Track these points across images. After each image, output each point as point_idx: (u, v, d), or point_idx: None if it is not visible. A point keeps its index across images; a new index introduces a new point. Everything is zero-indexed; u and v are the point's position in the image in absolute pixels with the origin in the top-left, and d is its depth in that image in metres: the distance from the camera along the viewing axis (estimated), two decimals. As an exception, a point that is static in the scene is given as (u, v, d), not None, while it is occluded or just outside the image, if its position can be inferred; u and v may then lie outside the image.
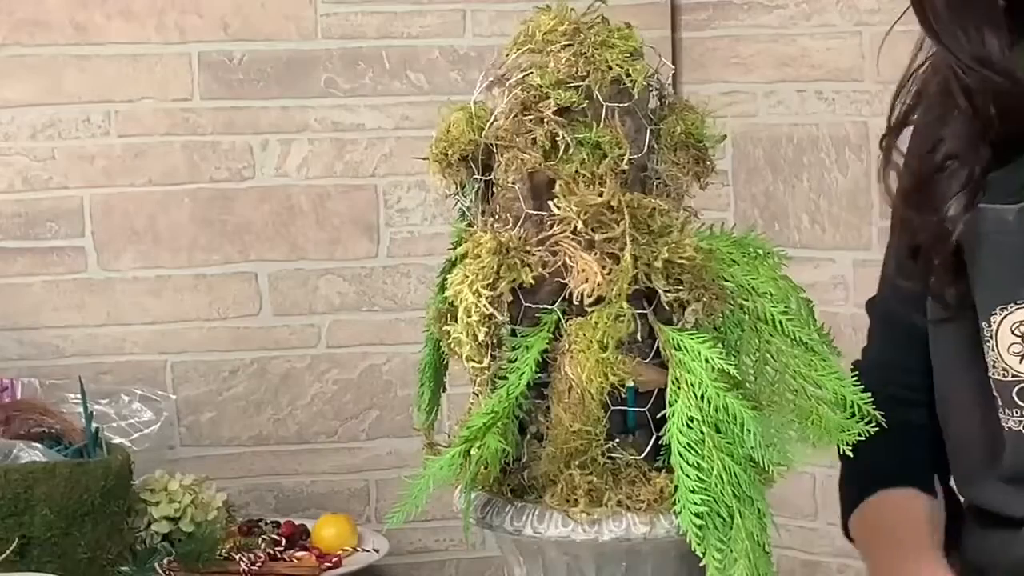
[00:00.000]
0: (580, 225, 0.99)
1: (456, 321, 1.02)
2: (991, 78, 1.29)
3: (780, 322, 1.07)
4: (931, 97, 1.39)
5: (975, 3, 1.30)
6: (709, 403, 0.99)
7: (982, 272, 1.33)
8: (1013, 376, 1.32)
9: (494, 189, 1.04)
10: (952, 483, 1.49)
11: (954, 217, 1.33)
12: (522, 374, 0.99)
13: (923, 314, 1.42)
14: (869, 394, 1.37)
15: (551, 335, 1.01)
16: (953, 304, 1.36)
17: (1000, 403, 1.34)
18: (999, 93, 1.29)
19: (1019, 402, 1.32)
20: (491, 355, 1.01)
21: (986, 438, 1.37)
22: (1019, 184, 1.32)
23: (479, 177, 1.04)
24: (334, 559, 2.43)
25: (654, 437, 1.02)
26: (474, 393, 1.04)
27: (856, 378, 1.49)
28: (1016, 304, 1.32)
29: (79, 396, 2.28)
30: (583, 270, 0.99)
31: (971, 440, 1.40)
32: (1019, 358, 1.31)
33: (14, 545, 2.05)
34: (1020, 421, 1.32)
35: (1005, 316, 1.32)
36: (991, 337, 1.33)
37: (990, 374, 1.34)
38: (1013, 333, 1.31)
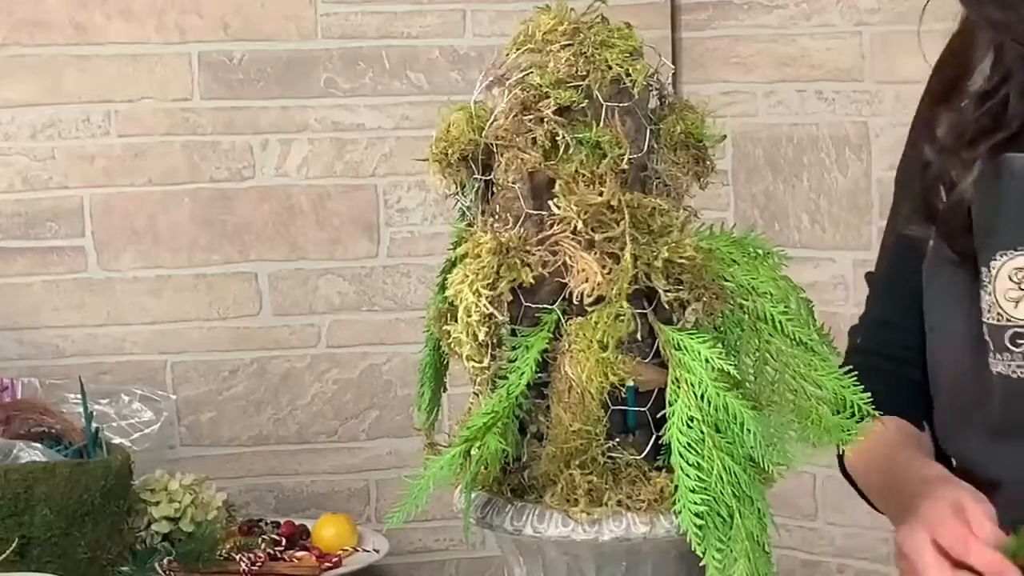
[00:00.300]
0: (580, 225, 0.99)
1: (456, 321, 1.02)
2: None
3: (780, 322, 1.07)
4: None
5: None
6: (709, 403, 0.99)
7: (987, 218, 1.36)
8: (1008, 320, 1.35)
9: (494, 189, 1.04)
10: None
11: (977, 157, 1.37)
12: (522, 374, 0.99)
13: (922, 275, 1.46)
14: (866, 351, 1.47)
15: (551, 335, 1.01)
16: (957, 247, 1.39)
17: (992, 348, 1.36)
18: None
19: (1011, 347, 1.35)
20: (491, 355, 1.01)
21: (974, 385, 1.39)
22: None
23: (479, 177, 1.05)
24: (334, 559, 2.43)
25: (654, 437, 1.02)
26: (474, 393, 1.04)
27: (854, 336, 1.56)
28: (1017, 250, 1.34)
29: (79, 396, 2.28)
30: (583, 270, 0.99)
31: (959, 387, 1.42)
32: (1014, 303, 1.34)
33: (14, 545, 2.05)
34: (1009, 366, 1.35)
35: (1005, 262, 1.35)
36: (990, 282, 1.35)
37: (984, 319, 1.36)
38: (1011, 279, 1.34)
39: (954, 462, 1.48)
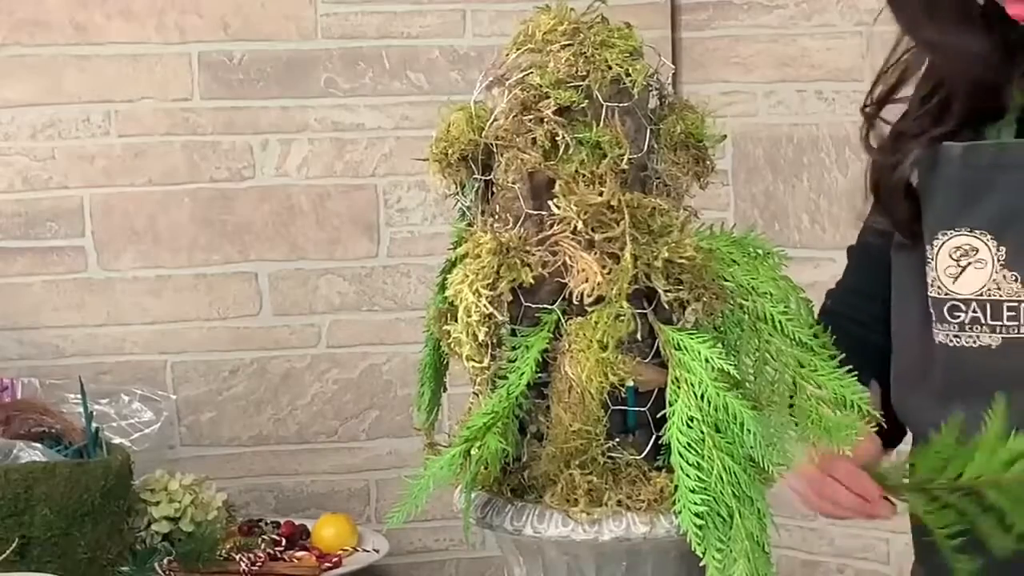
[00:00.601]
0: (580, 225, 0.99)
1: (456, 321, 1.02)
2: (967, 71, 1.48)
3: (780, 322, 1.07)
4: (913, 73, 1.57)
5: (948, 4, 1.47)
6: (709, 403, 0.99)
7: (930, 202, 1.50)
8: (946, 294, 1.47)
9: (494, 189, 1.04)
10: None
11: (912, 154, 1.52)
12: (522, 374, 0.99)
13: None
14: (836, 313, 1.61)
15: (551, 335, 1.01)
16: (906, 232, 1.54)
17: (935, 318, 1.49)
18: (972, 82, 1.48)
19: (949, 318, 1.47)
20: (491, 355, 1.01)
21: (923, 353, 1.52)
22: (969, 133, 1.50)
23: (479, 177, 1.04)
24: (334, 559, 2.43)
25: (654, 437, 1.02)
26: (474, 393, 1.04)
27: (827, 300, 1.68)
28: (955, 231, 1.47)
29: (79, 396, 2.28)
30: (583, 270, 0.99)
31: (911, 355, 1.55)
32: (952, 279, 1.47)
33: (14, 545, 2.05)
34: (948, 335, 1.47)
35: (945, 241, 1.48)
36: (932, 259, 1.48)
37: (929, 292, 1.49)
38: (950, 256, 1.47)
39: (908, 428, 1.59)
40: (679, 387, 1.00)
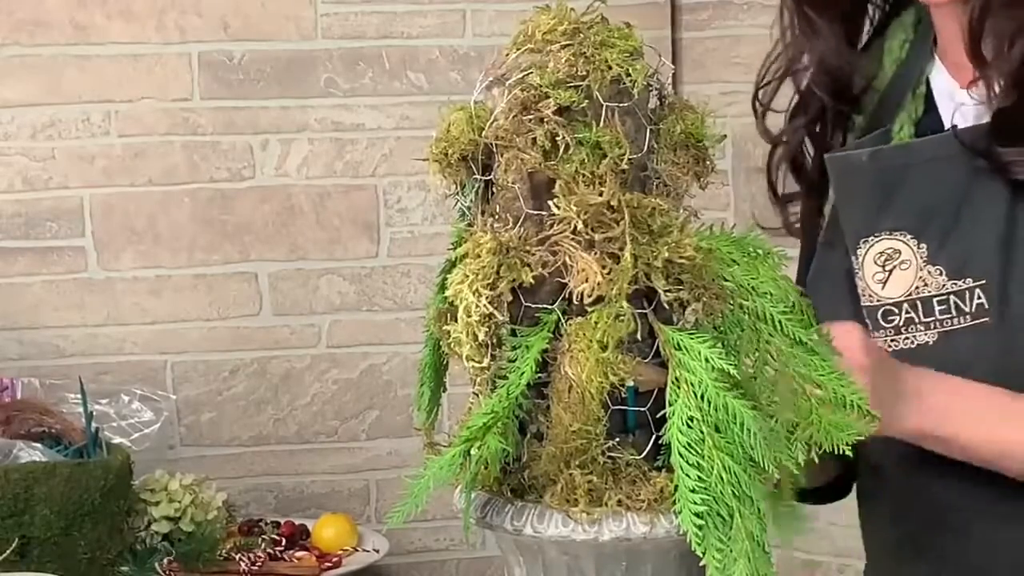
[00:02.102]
0: (580, 225, 0.99)
1: (456, 321, 1.02)
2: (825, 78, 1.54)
3: (780, 322, 1.07)
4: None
5: (820, 8, 1.52)
6: (709, 403, 0.99)
7: (846, 212, 1.50)
8: (878, 301, 1.47)
9: (494, 189, 1.04)
10: None
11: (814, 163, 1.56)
12: (522, 374, 0.99)
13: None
14: None
15: (551, 335, 1.01)
16: (823, 240, 1.57)
17: (871, 327, 1.48)
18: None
19: (883, 324, 1.47)
20: (491, 355, 1.01)
21: None
22: (872, 135, 1.52)
23: (479, 177, 1.04)
24: (334, 559, 2.43)
25: (654, 437, 1.02)
26: (474, 393, 1.04)
27: None
28: (875, 237, 1.47)
29: (79, 396, 2.28)
30: (583, 270, 0.99)
31: None
32: (881, 284, 1.47)
33: (14, 545, 2.06)
34: (885, 341, 1.47)
35: (868, 249, 1.48)
36: (859, 268, 1.48)
37: (862, 303, 1.49)
38: (875, 263, 1.47)
39: None
40: (679, 387, 1.00)
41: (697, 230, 1.06)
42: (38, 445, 2.18)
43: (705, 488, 0.97)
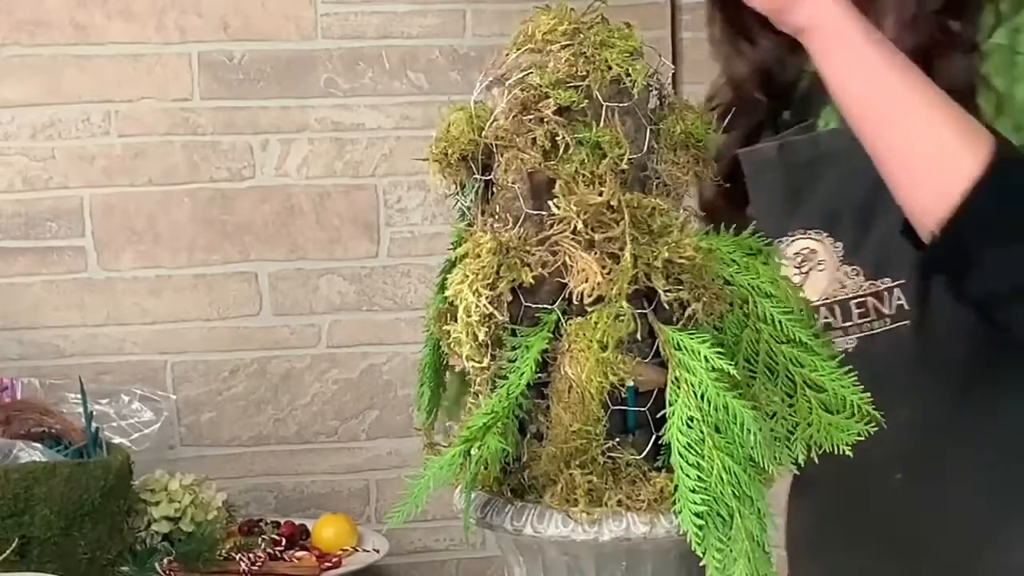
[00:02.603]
0: (580, 225, 0.99)
1: (456, 321, 1.02)
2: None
3: (780, 322, 1.07)
4: None
5: (738, 24, 1.48)
6: (709, 403, 0.99)
7: (760, 211, 1.45)
8: None
9: (494, 189, 1.04)
10: None
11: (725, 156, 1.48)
12: (522, 374, 0.99)
13: None
14: None
15: (551, 335, 1.01)
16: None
17: None
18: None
19: None
20: (491, 355, 1.01)
21: None
22: (793, 129, 1.47)
23: (479, 177, 1.04)
24: (334, 559, 2.43)
25: (654, 437, 1.02)
26: (474, 393, 1.04)
27: None
28: (789, 235, 1.43)
29: (79, 396, 2.28)
30: (583, 270, 0.99)
31: None
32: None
33: (14, 545, 2.06)
34: None
35: (783, 249, 1.42)
36: None
37: None
38: (791, 264, 1.41)
39: None
40: (679, 387, 1.00)
41: (697, 230, 1.06)
42: (38, 445, 2.18)
43: (705, 488, 0.97)
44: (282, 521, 2.55)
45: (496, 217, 1.03)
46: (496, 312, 1.00)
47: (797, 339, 1.08)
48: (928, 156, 1.20)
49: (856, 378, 1.22)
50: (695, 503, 0.97)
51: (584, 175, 1.00)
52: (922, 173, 1.19)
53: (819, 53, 1.20)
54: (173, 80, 2.64)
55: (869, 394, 1.22)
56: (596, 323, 0.98)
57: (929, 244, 1.19)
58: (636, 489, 1.00)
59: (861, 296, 1.39)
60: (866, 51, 1.20)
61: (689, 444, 0.98)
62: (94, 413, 2.28)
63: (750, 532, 0.98)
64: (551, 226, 1.01)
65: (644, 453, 1.02)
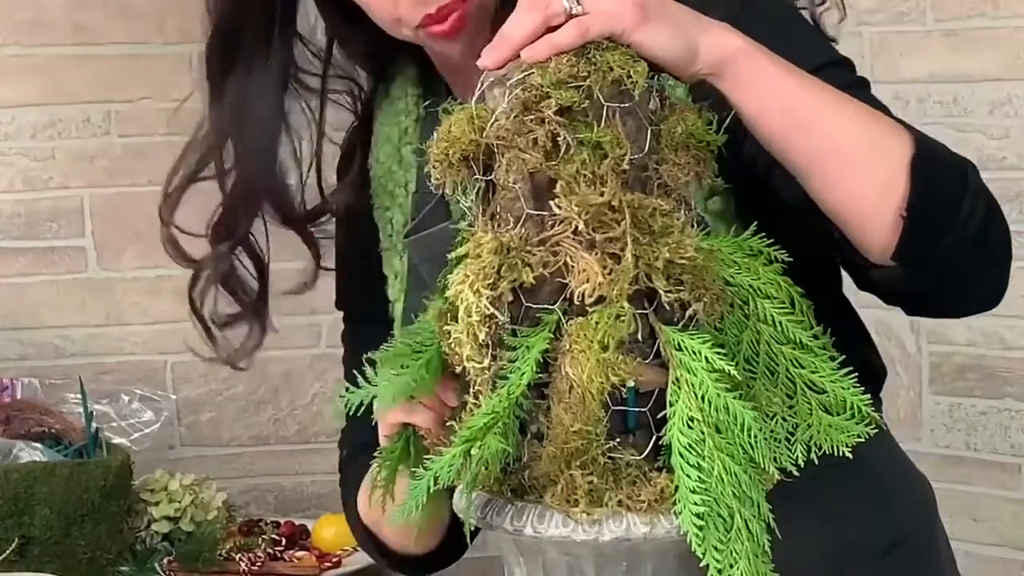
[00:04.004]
0: (581, 225, 0.99)
1: (456, 321, 1.02)
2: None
3: (781, 323, 1.07)
4: None
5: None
6: (710, 403, 0.99)
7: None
8: None
9: (495, 189, 1.04)
10: None
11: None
12: (523, 374, 0.99)
13: None
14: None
15: (552, 335, 1.01)
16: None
17: None
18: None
19: None
20: (492, 355, 1.01)
21: None
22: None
23: (480, 177, 1.04)
24: (334, 559, 2.43)
25: (654, 437, 1.02)
26: (474, 393, 1.04)
27: None
28: None
29: (79, 396, 2.28)
30: (584, 270, 0.99)
31: None
32: None
33: (14, 545, 2.06)
34: None
35: None
36: None
37: None
38: None
39: None
40: (680, 388, 1.00)
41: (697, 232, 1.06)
42: (38, 445, 2.18)
43: (706, 489, 0.97)
44: (282, 521, 2.55)
45: (497, 217, 1.04)
46: (497, 312, 1.00)
47: (797, 340, 1.08)
48: (863, 146, 1.19)
49: None
50: (696, 504, 0.97)
51: (585, 175, 1.00)
52: (862, 168, 1.18)
53: (734, 88, 1.16)
54: (173, 80, 2.64)
55: None
56: (597, 323, 0.98)
57: (901, 233, 1.18)
58: (636, 489, 1.01)
59: None
60: (775, 72, 1.17)
61: (690, 445, 0.98)
62: (94, 413, 2.28)
63: (750, 533, 0.98)
64: (552, 226, 1.01)
65: (645, 454, 1.02)
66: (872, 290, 1.27)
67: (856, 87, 1.30)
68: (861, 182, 1.18)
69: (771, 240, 1.11)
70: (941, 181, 1.19)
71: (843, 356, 1.10)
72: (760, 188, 1.28)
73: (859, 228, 1.20)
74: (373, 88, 1.54)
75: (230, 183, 1.51)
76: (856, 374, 1.08)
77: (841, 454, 1.06)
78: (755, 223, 1.13)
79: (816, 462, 1.06)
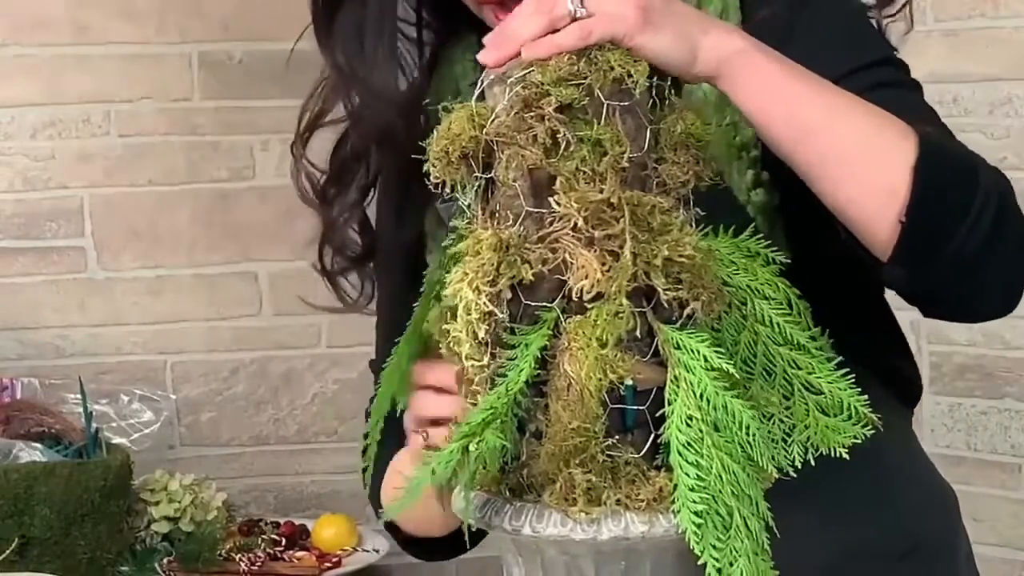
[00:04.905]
0: (580, 222, 0.99)
1: (455, 319, 1.02)
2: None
3: (778, 324, 1.07)
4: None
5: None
6: (708, 402, 0.99)
7: None
8: None
9: (494, 186, 1.04)
10: None
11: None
12: (521, 371, 0.99)
13: None
14: None
15: (550, 332, 1.01)
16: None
17: None
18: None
19: None
20: (491, 353, 1.01)
21: None
22: None
23: (480, 175, 1.04)
24: (334, 559, 2.43)
25: (653, 435, 1.02)
26: (473, 392, 1.04)
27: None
28: None
29: (79, 396, 2.28)
30: (583, 267, 0.99)
31: None
32: None
33: (14, 545, 2.06)
34: None
35: None
36: None
37: None
38: None
39: None
40: (678, 386, 1.00)
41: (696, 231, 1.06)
42: (38, 445, 2.18)
43: (704, 487, 0.97)
44: (282, 521, 2.55)
45: (496, 215, 1.04)
46: (496, 310, 1.00)
47: (795, 341, 1.08)
48: (866, 151, 1.18)
49: None
50: (694, 502, 0.97)
51: (585, 173, 1.00)
52: (863, 173, 1.18)
53: (733, 90, 1.16)
54: (173, 80, 2.64)
55: None
56: (596, 321, 0.98)
57: (899, 237, 1.18)
58: (635, 488, 1.00)
59: None
60: (776, 75, 1.17)
61: (688, 443, 0.98)
62: (94, 413, 2.29)
63: (749, 531, 0.98)
64: (551, 223, 1.01)
65: (643, 452, 1.02)
66: (890, 288, 1.27)
67: (900, 87, 1.30)
68: (863, 187, 1.18)
69: (813, 242, 1.11)
70: (946, 185, 1.18)
71: (860, 360, 1.10)
72: (803, 189, 1.28)
73: (864, 230, 1.19)
74: (439, 44, 1.52)
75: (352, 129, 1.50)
76: (877, 379, 1.08)
77: (839, 455, 1.06)
78: (797, 219, 1.13)
79: (812, 463, 1.06)
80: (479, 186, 1.04)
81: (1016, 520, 2.47)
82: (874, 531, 1.34)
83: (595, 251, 0.99)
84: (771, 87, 1.16)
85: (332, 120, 1.52)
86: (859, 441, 1.06)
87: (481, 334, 1.00)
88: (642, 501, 1.00)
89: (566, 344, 0.99)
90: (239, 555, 2.37)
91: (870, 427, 1.06)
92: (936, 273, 1.19)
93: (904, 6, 1.16)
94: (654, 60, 1.06)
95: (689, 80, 1.13)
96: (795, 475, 1.05)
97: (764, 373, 1.08)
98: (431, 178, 1.05)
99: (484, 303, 0.99)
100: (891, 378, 1.37)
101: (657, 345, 1.01)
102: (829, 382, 1.07)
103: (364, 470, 1.35)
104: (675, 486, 0.99)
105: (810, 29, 1.18)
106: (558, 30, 1.05)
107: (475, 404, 1.01)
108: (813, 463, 1.06)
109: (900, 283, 1.21)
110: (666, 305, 1.01)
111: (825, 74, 1.20)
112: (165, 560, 2.26)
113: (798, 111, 1.17)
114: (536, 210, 1.02)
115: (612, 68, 1.02)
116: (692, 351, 1.00)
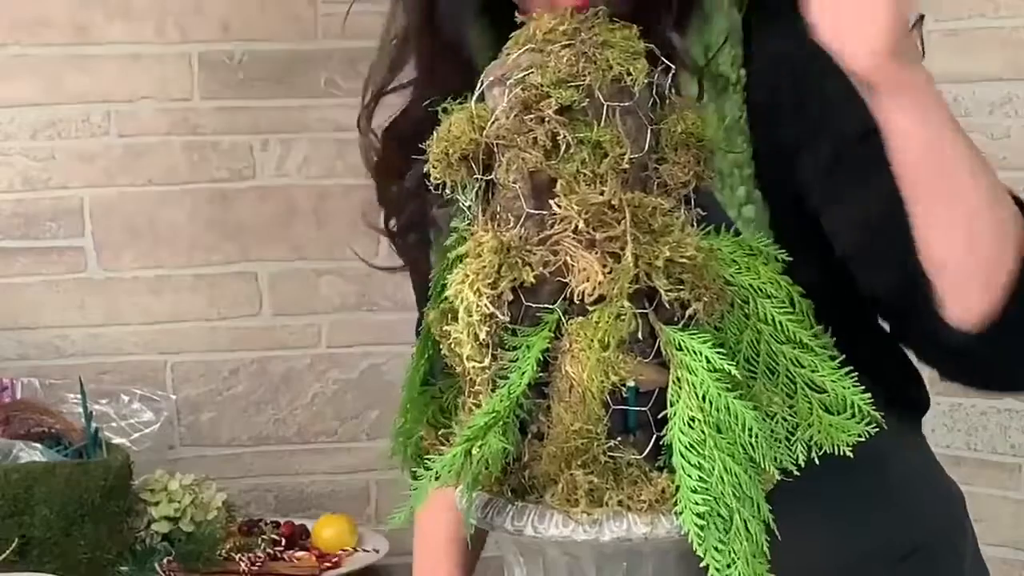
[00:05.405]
0: (581, 224, 0.99)
1: (456, 321, 1.02)
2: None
3: (781, 323, 1.07)
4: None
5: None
6: (710, 403, 0.99)
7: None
8: None
9: (495, 189, 1.04)
10: None
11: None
12: (523, 373, 0.99)
13: None
14: None
15: (552, 334, 1.00)
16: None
17: None
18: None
19: None
20: (492, 355, 1.01)
21: None
22: None
23: (480, 177, 1.04)
24: (334, 559, 2.43)
25: (655, 437, 1.02)
26: (474, 393, 1.04)
27: None
28: None
29: (79, 396, 2.28)
30: (584, 269, 0.99)
31: None
32: None
33: (14, 545, 2.06)
34: None
35: None
36: None
37: None
38: None
39: None
40: (680, 387, 0.99)
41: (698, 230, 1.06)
42: (38, 445, 2.18)
43: (706, 488, 0.97)
44: (282, 521, 2.55)
45: (497, 217, 1.03)
46: (497, 312, 1.00)
47: (798, 340, 1.08)
48: (982, 210, 1.19)
49: None
50: (697, 503, 0.97)
51: (585, 174, 1.00)
52: (978, 225, 1.18)
53: (906, 110, 1.14)
54: (173, 80, 2.64)
55: None
56: (597, 322, 0.98)
57: (1006, 304, 1.17)
58: (637, 489, 1.00)
59: None
60: (943, 117, 1.16)
61: (690, 444, 0.98)
62: (94, 413, 2.29)
63: (749, 533, 0.98)
64: (552, 225, 1.01)
65: (645, 453, 1.02)
66: (920, 348, 1.26)
67: None
68: (973, 239, 1.17)
69: (803, 262, 1.11)
70: None
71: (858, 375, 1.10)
72: (798, 210, 1.27)
73: (952, 281, 1.18)
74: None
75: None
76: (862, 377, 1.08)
77: (843, 453, 1.06)
78: (785, 237, 1.13)
79: (816, 463, 1.06)
80: (479, 188, 1.04)
81: (1016, 520, 2.47)
82: (875, 532, 1.34)
83: (596, 253, 0.99)
84: (933, 125, 1.15)
85: (396, 86, 1.50)
86: (863, 439, 1.06)
87: (482, 336, 1.00)
88: (644, 502, 1.00)
89: (568, 346, 0.99)
90: (239, 555, 2.37)
91: (874, 425, 1.06)
92: (1016, 344, 1.19)
93: (912, 27, 1.15)
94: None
95: (874, 71, 1.11)
96: (799, 476, 1.05)
97: (767, 372, 1.08)
98: (431, 179, 1.05)
99: (485, 305, 0.99)
100: (896, 397, 1.37)
101: (659, 346, 1.01)
102: (832, 380, 1.07)
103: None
104: (677, 487, 0.99)
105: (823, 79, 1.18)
106: None
107: (477, 406, 1.01)
108: (817, 463, 1.06)
109: (969, 348, 1.19)
110: (668, 306, 1.01)
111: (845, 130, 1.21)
112: (165, 560, 2.26)
113: (939, 163, 1.16)
114: (537, 212, 1.01)
115: (611, 67, 1.02)
116: (694, 352, 1.00)
